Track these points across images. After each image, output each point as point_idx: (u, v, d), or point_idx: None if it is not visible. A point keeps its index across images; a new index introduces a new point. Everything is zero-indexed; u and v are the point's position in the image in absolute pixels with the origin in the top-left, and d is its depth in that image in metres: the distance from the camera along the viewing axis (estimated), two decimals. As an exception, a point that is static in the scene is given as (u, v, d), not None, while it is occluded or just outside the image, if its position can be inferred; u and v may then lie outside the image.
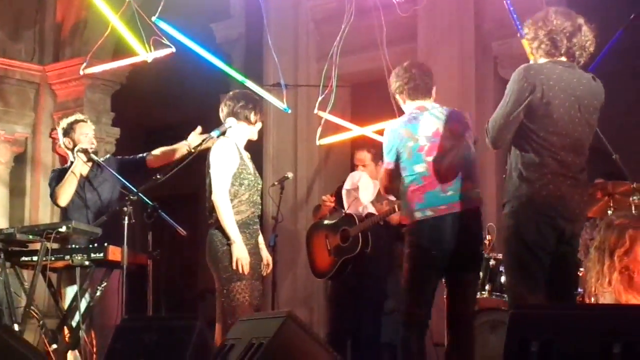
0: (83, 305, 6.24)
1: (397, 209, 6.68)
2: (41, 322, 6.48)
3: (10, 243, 6.33)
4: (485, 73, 8.42)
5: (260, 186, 5.99)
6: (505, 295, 5.81)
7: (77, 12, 11.61)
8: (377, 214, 7.11)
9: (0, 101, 11.48)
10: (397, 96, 5.53)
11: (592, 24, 4.77)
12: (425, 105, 5.41)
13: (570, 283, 4.88)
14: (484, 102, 8.14)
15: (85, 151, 6.71)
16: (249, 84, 7.25)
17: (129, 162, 6.89)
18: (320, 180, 9.46)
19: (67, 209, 6.73)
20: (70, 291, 6.45)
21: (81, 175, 6.74)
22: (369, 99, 9.01)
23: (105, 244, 6.16)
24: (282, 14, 9.46)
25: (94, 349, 6.37)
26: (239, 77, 7.44)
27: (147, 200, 6.00)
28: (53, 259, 6.19)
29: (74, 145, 6.75)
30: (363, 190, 7.22)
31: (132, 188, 6.09)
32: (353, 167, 7.60)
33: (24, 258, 6.39)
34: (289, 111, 7.83)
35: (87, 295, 6.33)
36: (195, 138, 6.55)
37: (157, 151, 6.83)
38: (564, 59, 4.73)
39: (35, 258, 6.22)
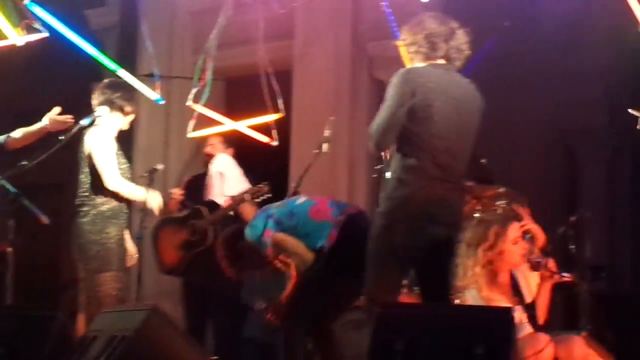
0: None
1: (245, 199, 6.63)
2: None
3: None
4: (361, 73, 8.49)
5: (130, 177, 5.91)
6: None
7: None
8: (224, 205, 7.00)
9: None
10: None
11: (466, 29, 4.85)
12: None
13: (444, 287, 4.79)
14: (358, 101, 8.21)
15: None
16: (122, 72, 7.11)
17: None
18: (190, 174, 9.36)
19: None
20: None
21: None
22: (243, 94, 8.96)
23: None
24: (158, 4, 9.32)
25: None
26: (112, 65, 7.30)
27: (9, 187, 5.80)
28: None
29: None
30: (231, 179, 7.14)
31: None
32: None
33: None
34: (162, 102, 7.71)
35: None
36: (52, 120, 6.29)
37: (16, 133, 6.55)
38: (442, 61, 4.79)
39: None
